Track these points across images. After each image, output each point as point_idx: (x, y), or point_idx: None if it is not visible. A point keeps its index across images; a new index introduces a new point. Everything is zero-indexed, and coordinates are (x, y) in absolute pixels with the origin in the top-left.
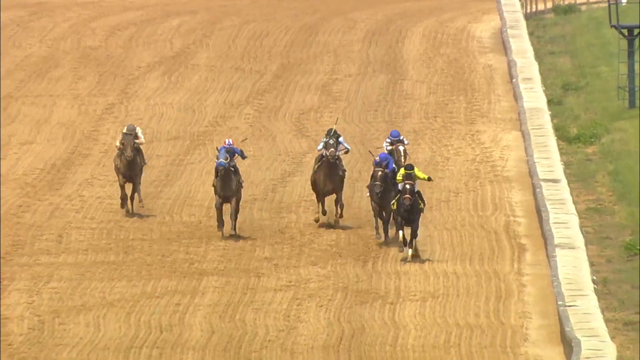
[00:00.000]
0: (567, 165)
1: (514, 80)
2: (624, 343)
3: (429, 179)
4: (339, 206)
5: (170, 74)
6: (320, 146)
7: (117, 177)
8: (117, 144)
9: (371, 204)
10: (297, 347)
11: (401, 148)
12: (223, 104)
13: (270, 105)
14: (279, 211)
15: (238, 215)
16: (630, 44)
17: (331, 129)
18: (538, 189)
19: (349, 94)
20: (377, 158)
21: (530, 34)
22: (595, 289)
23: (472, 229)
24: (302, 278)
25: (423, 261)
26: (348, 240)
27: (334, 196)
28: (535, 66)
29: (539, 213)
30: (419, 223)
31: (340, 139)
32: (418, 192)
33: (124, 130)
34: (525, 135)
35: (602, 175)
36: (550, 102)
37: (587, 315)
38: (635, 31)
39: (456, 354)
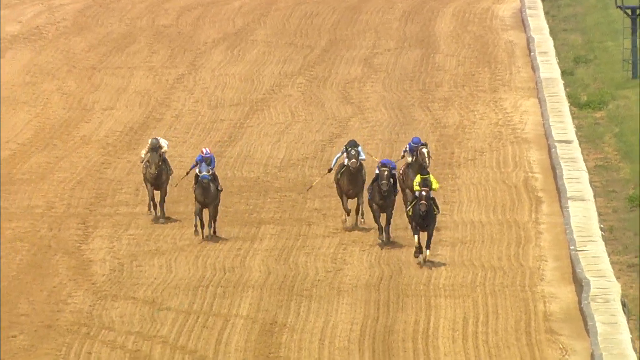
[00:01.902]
0: (578, 128)
1: (531, 53)
2: (627, 282)
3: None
4: (361, 208)
5: (233, 48)
6: (339, 155)
7: (145, 187)
8: (142, 155)
9: (371, 207)
10: (343, 286)
11: (424, 150)
12: (278, 75)
13: (320, 76)
14: (327, 168)
15: (217, 218)
16: (633, 22)
17: (353, 141)
18: (553, 149)
19: (388, 66)
20: (378, 162)
21: (546, 13)
22: (602, 235)
23: (495, 183)
24: (347, 226)
25: (452, 211)
26: None
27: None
28: (550, 41)
29: (554, 170)
30: (434, 229)
31: (359, 149)
32: (433, 198)
33: (149, 145)
34: (541, 102)
35: (609, 137)
36: (563, 72)
37: (596, 259)
38: (638, 11)
39: (481, 292)
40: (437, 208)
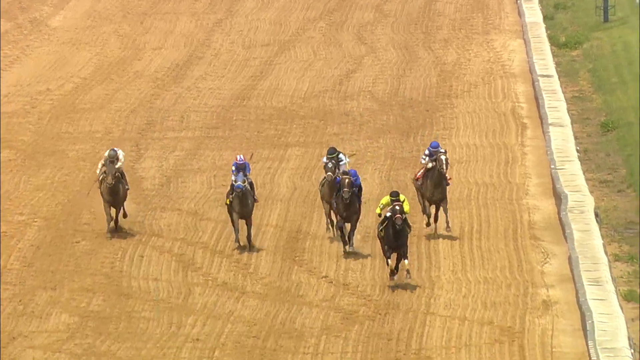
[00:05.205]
0: (557, 64)
1: (518, 1)
2: (599, 196)
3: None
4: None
5: None
6: (323, 163)
7: (102, 202)
8: (99, 168)
9: (336, 217)
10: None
11: (443, 157)
12: (302, 19)
13: (338, 21)
14: (344, 99)
15: (252, 231)
16: None
17: (332, 148)
18: (536, 82)
19: (396, 12)
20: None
21: None
22: (578, 156)
23: (487, 112)
24: (361, 148)
25: (451, 136)
26: (395, 120)
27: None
28: None
29: (537, 100)
30: (407, 246)
31: (340, 156)
32: (405, 218)
33: (106, 155)
34: (526, 43)
35: (584, 72)
36: (545, 17)
37: (573, 176)
38: None
39: (475, 204)
40: (409, 227)
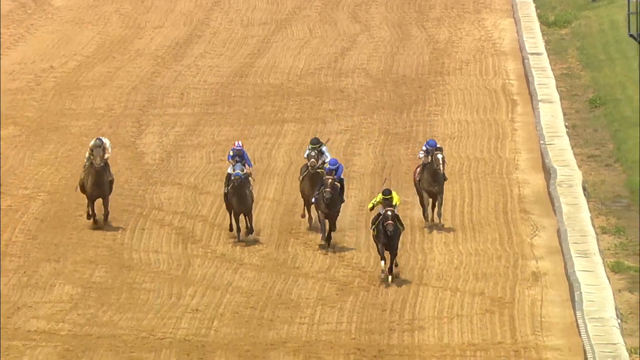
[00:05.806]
0: (546, 42)
1: None
2: (587, 171)
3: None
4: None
5: None
6: (306, 154)
7: (85, 195)
8: (86, 158)
9: (317, 214)
10: (352, 173)
11: (439, 156)
12: None
13: (333, 0)
14: (339, 76)
15: (253, 225)
16: None
17: (316, 139)
18: (526, 60)
19: None
20: (328, 165)
21: None
22: (567, 131)
23: (478, 89)
24: (356, 124)
25: (443, 112)
26: (389, 97)
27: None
28: None
29: (527, 77)
30: (399, 245)
31: (323, 149)
32: (397, 216)
33: (91, 144)
34: (516, 21)
35: (572, 50)
36: None
37: (561, 151)
38: None
39: (467, 179)
40: (402, 225)
